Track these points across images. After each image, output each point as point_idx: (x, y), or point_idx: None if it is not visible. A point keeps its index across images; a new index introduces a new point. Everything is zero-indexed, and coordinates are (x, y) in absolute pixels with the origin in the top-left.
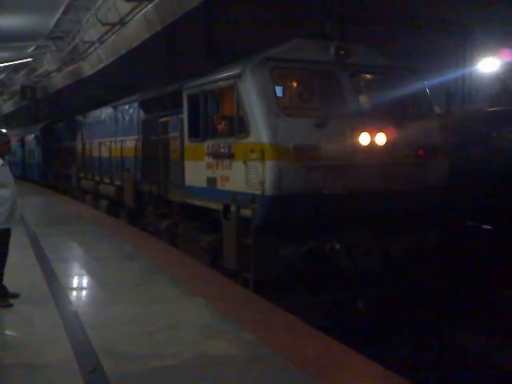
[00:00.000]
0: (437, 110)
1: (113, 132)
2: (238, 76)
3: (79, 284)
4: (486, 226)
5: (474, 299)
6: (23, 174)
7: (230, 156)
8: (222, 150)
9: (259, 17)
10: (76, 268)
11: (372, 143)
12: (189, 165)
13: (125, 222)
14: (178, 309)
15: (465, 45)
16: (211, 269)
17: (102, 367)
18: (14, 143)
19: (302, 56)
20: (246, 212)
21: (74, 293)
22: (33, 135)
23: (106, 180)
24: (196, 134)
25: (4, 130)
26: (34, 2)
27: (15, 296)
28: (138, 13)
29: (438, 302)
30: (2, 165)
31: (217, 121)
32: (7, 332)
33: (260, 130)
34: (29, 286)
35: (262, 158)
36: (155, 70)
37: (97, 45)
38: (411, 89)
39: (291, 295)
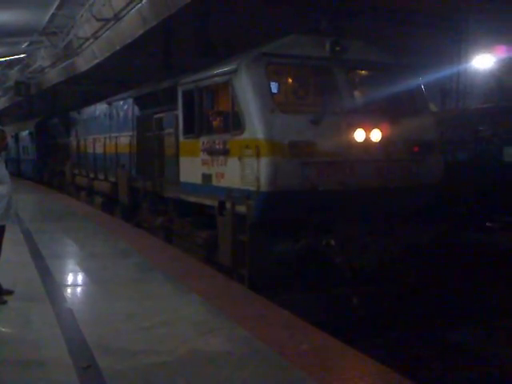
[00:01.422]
0: (432, 107)
1: (107, 128)
2: (233, 72)
3: (74, 281)
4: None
5: (473, 296)
6: (17, 171)
7: (225, 152)
8: (217, 147)
9: (254, 12)
10: (70, 265)
11: (367, 139)
12: (184, 161)
13: (119, 218)
14: (173, 305)
15: (460, 41)
16: (206, 265)
17: (97, 364)
18: (9, 139)
19: (297, 52)
20: (241, 208)
21: (69, 289)
22: (27, 131)
23: (101, 176)
24: (191, 130)
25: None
26: None
27: (9, 293)
28: (132, 8)
29: (436, 298)
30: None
31: (212, 117)
32: (1, 329)
33: (255, 126)
34: (23, 283)
35: (257, 155)
36: (150, 65)
37: (91, 40)
38: (407, 85)
39: (286, 291)
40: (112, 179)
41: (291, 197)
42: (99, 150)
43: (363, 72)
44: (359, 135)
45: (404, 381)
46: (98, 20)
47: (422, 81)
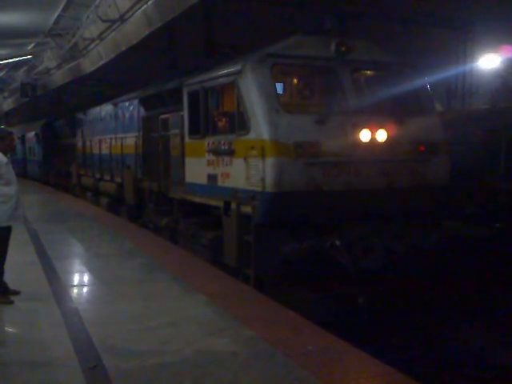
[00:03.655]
0: (438, 107)
1: (113, 129)
2: (239, 72)
3: (80, 281)
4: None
5: (476, 296)
6: (24, 172)
7: (231, 153)
8: (223, 147)
9: (259, 13)
10: (77, 265)
11: (373, 140)
12: (189, 162)
13: (125, 219)
14: (179, 305)
15: (465, 41)
16: (212, 265)
17: (103, 364)
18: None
19: (302, 52)
20: (247, 209)
21: (75, 290)
22: (33, 132)
23: (107, 177)
24: (196, 130)
25: (3, 128)
26: None
27: (16, 293)
28: (137, 9)
29: (440, 299)
30: (7, 163)
31: (217, 117)
32: (8, 329)
33: (260, 127)
34: (29, 283)
35: (263, 155)
36: (155, 66)
37: (97, 42)
38: (412, 85)
39: (292, 292)
40: (118, 180)
41: (296, 197)
42: (105, 150)
43: (368, 72)
44: (364, 135)
45: (409, 382)
46: (103, 21)
47: (427, 81)
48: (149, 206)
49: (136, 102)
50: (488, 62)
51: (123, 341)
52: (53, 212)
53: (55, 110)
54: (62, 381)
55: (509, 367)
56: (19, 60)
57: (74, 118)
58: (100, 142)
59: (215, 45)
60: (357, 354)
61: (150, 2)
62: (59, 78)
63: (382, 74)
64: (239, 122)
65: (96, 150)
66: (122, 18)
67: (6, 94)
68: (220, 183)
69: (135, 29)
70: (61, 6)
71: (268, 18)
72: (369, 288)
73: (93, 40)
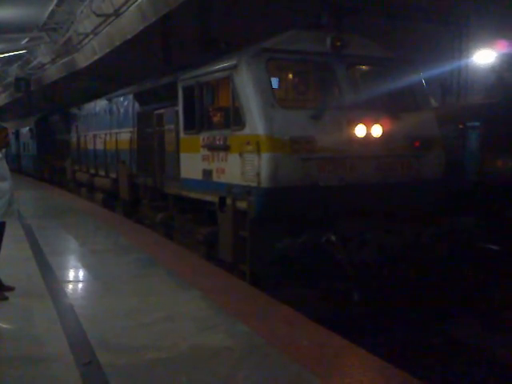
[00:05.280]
0: (433, 102)
1: (108, 124)
2: (234, 67)
3: (75, 277)
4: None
5: (475, 293)
6: (18, 167)
7: (226, 148)
8: (218, 142)
9: (254, 7)
10: (71, 261)
11: (368, 135)
12: (184, 157)
13: (120, 214)
14: (174, 301)
15: (460, 36)
16: (207, 261)
17: (98, 360)
18: (10, 136)
19: (298, 47)
20: (242, 204)
21: (70, 286)
22: (27, 128)
23: (101, 173)
24: (191, 126)
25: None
26: None
27: (10, 289)
28: (132, 4)
29: (436, 295)
30: (0, 158)
31: (212, 113)
32: (2, 325)
33: (256, 122)
34: (24, 279)
35: (258, 150)
36: (150, 61)
37: (91, 36)
38: (407, 80)
39: (287, 287)
40: (113, 175)
41: (292, 193)
42: (100, 146)
43: (364, 67)
44: (360, 131)
45: (405, 376)
46: (97, 16)
47: (422, 76)
48: (144, 202)
49: (131, 97)
50: (483, 57)
51: (118, 336)
52: (47, 207)
53: (49, 105)
54: (56, 376)
55: (508, 366)
56: (13, 55)
57: (68, 113)
58: (95, 137)
59: (210, 39)
60: (352, 350)
61: None
62: (53, 72)
63: (378, 70)
64: (234, 117)
65: (91, 146)
66: (117, 13)
67: None
68: (215, 178)
69: (130, 23)
70: (55, 1)
71: (264, 13)
72: (364, 283)
73: (87, 35)
